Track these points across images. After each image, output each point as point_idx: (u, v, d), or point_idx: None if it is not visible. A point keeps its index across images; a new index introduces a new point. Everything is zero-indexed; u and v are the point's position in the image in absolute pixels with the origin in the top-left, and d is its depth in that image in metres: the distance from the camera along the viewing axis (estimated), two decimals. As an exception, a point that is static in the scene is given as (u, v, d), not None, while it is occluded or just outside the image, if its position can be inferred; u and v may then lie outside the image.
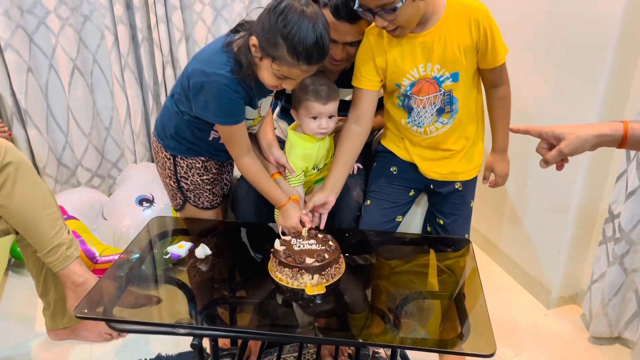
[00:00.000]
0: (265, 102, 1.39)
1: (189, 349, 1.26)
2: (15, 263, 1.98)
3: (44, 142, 2.24)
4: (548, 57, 1.71)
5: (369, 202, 1.52)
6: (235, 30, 1.27)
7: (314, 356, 1.61)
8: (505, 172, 1.48)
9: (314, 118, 1.37)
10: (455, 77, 1.29)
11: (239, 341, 1.58)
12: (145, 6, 2.21)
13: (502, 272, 2.06)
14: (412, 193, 1.53)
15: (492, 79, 1.34)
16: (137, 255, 1.32)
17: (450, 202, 1.50)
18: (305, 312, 1.13)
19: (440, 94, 1.31)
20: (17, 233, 1.43)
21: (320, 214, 1.39)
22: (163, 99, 2.36)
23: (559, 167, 1.04)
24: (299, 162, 1.42)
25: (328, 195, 1.36)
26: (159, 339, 1.67)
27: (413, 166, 1.47)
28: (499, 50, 1.27)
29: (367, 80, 1.35)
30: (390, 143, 1.51)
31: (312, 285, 1.17)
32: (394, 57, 1.30)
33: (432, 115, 1.34)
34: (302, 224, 1.32)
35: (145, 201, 2.03)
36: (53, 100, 2.26)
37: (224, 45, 1.23)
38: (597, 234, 1.73)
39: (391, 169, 1.51)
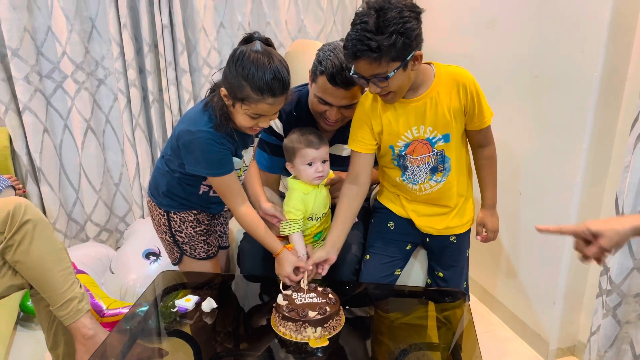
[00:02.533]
0: (248, 153, 1.50)
1: None
2: (24, 317, 2.02)
3: (55, 198, 2.33)
4: (534, 113, 1.82)
5: (368, 257, 1.58)
6: (211, 91, 1.39)
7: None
8: (496, 227, 1.55)
9: (310, 164, 1.46)
10: (446, 138, 1.38)
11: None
12: (157, 70, 2.36)
13: (501, 323, 2.09)
14: (409, 247, 1.59)
15: (479, 140, 1.44)
16: (146, 309, 1.38)
17: (447, 255, 1.57)
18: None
19: (434, 154, 1.40)
20: (31, 287, 1.49)
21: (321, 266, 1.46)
22: (171, 156, 2.47)
23: (599, 261, 1.05)
24: (298, 205, 1.49)
25: (329, 253, 1.43)
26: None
27: (409, 221, 1.54)
28: (485, 113, 1.38)
29: (363, 144, 1.44)
30: (386, 200, 1.59)
31: (315, 338, 1.22)
32: (389, 120, 1.40)
33: (426, 173, 1.43)
34: (296, 272, 1.39)
35: (151, 255, 2.10)
36: (66, 158, 2.37)
37: (204, 106, 1.36)
38: (592, 286, 1.78)
39: (388, 225, 1.58)
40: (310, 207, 1.52)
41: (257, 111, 1.27)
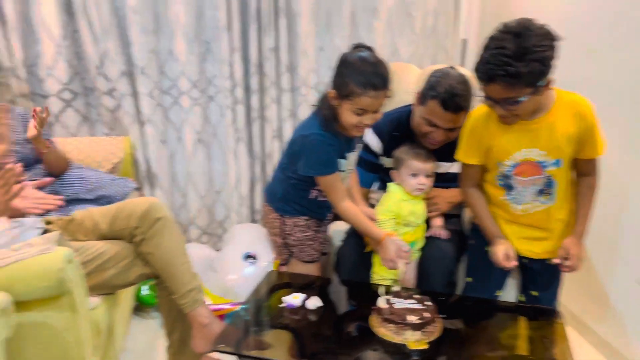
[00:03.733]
0: (352, 156, 1.67)
1: None
2: (137, 307, 2.26)
3: (165, 201, 2.59)
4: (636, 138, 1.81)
5: (470, 279, 1.65)
6: (320, 100, 1.58)
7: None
8: (581, 255, 1.49)
9: (414, 175, 1.58)
10: (558, 163, 1.41)
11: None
12: (261, 90, 2.57)
13: (591, 348, 2.06)
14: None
15: (586, 169, 1.46)
16: (252, 305, 1.53)
17: (543, 276, 1.58)
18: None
19: (543, 177, 1.43)
20: (156, 277, 1.70)
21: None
22: (268, 168, 2.67)
23: None
24: (392, 207, 1.62)
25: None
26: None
27: None
28: (598, 144, 1.40)
29: (476, 156, 1.50)
30: None
31: (414, 340, 1.32)
32: (501, 139, 1.43)
33: (532, 194, 1.46)
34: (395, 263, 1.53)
35: (250, 257, 2.28)
36: (177, 167, 2.63)
37: (314, 114, 1.56)
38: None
39: (485, 249, 1.60)
40: (404, 214, 1.63)
41: (361, 105, 1.42)
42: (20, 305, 1.28)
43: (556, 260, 1.51)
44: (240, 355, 1.33)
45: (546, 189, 1.46)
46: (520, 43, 1.23)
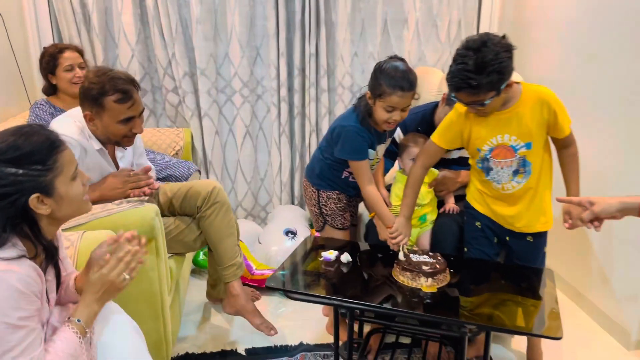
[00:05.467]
0: (381, 147, 1.99)
1: (323, 341, 1.90)
2: (194, 270, 2.66)
3: (218, 185, 2.99)
4: (626, 135, 2.10)
5: (466, 249, 1.93)
6: (359, 99, 1.91)
7: (421, 357, 2.01)
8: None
9: (413, 160, 1.91)
10: (528, 145, 1.66)
11: (364, 335, 2.04)
12: (302, 90, 2.94)
13: (588, 318, 2.33)
14: (496, 240, 1.88)
15: (563, 143, 1.70)
16: (302, 258, 1.88)
17: (524, 253, 1.81)
18: (420, 302, 1.58)
19: (516, 159, 1.69)
20: (209, 248, 2.08)
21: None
22: (306, 158, 3.03)
23: (597, 228, 1.39)
24: (399, 193, 1.95)
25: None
26: (303, 331, 2.18)
27: (492, 220, 1.83)
28: (564, 125, 1.64)
29: (446, 142, 1.76)
30: (472, 200, 1.87)
31: (427, 285, 1.64)
32: (478, 128, 1.69)
33: (508, 175, 1.71)
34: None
35: (290, 233, 2.64)
36: (228, 155, 3.02)
37: (354, 108, 1.90)
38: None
39: (476, 224, 1.87)
40: None
41: (391, 103, 1.75)
42: (120, 246, 1.67)
43: (565, 225, 1.65)
44: (285, 291, 1.67)
45: (521, 169, 1.69)
46: (480, 58, 1.44)
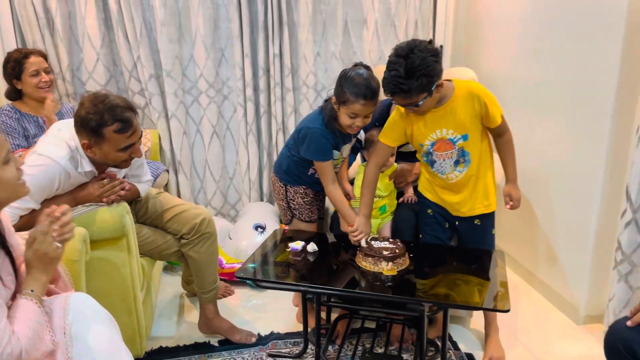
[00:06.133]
0: (347, 147, 2.09)
1: (294, 329, 2.01)
2: (166, 266, 2.72)
3: (187, 185, 3.04)
4: (565, 121, 2.26)
5: (421, 236, 2.05)
6: (325, 102, 1.99)
7: (385, 340, 2.13)
8: (519, 196, 1.86)
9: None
10: (465, 137, 1.78)
11: (332, 321, 2.15)
12: (268, 89, 3.03)
13: (540, 297, 2.49)
14: (447, 225, 2.00)
15: (497, 132, 1.82)
16: (270, 249, 1.97)
17: (473, 236, 1.94)
18: (382, 285, 1.69)
19: (455, 150, 1.81)
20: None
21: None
22: (274, 156, 3.11)
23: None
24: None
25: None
26: (275, 322, 2.27)
27: (442, 207, 1.96)
28: (496, 114, 1.75)
29: (392, 140, 1.88)
30: (423, 189, 1.99)
31: (388, 269, 1.75)
32: (419, 125, 1.81)
33: (450, 165, 1.84)
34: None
35: (259, 227, 2.72)
36: (196, 155, 3.08)
37: (320, 111, 1.98)
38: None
39: (428, 211, 1.99)
40: None
41: (354, 111, 1.85)
42: (92, 244, 1.72)
43: (507, 207, 1.87)
44: (255, 280, 1.76)
45: (461, 159, 1.82)
46: (409, 64, 1.55)
